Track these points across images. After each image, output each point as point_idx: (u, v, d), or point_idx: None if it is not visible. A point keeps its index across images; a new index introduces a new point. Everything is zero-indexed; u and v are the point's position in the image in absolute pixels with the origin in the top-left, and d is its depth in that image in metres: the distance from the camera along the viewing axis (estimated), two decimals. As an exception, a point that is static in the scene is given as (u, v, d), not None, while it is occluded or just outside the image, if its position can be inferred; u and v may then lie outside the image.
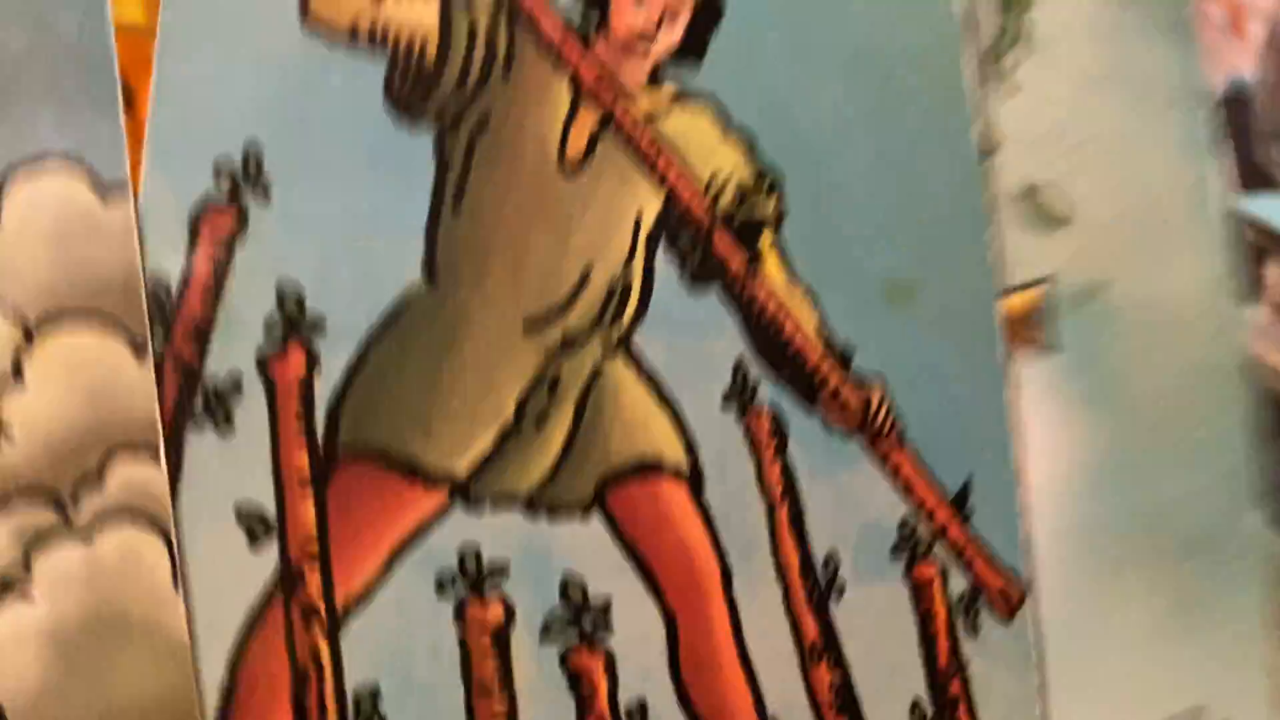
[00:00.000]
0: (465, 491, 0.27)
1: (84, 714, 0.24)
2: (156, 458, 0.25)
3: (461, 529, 0.26)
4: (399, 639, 0.25)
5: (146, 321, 0.26)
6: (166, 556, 0.25)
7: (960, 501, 0.29)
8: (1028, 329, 0.31)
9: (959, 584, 0.29)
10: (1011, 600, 0.29)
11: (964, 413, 0.30)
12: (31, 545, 0.25)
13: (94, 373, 0.25)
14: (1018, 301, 0.31)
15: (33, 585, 0.24)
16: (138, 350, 0.26)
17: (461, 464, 0.27)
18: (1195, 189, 0.32)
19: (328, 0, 0.29)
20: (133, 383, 0.26)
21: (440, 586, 0.26)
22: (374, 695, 0.25)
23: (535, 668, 0.26)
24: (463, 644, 0.26)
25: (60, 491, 0.25)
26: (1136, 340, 0.31)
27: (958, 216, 0.31)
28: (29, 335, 0.25)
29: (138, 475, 0.25)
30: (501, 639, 0.26)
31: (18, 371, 0.25)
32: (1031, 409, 0.30)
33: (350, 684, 0.25)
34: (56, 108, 0.26)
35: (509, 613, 0.26)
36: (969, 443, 0.30)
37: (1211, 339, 0.31)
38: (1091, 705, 0.29)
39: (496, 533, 0.26)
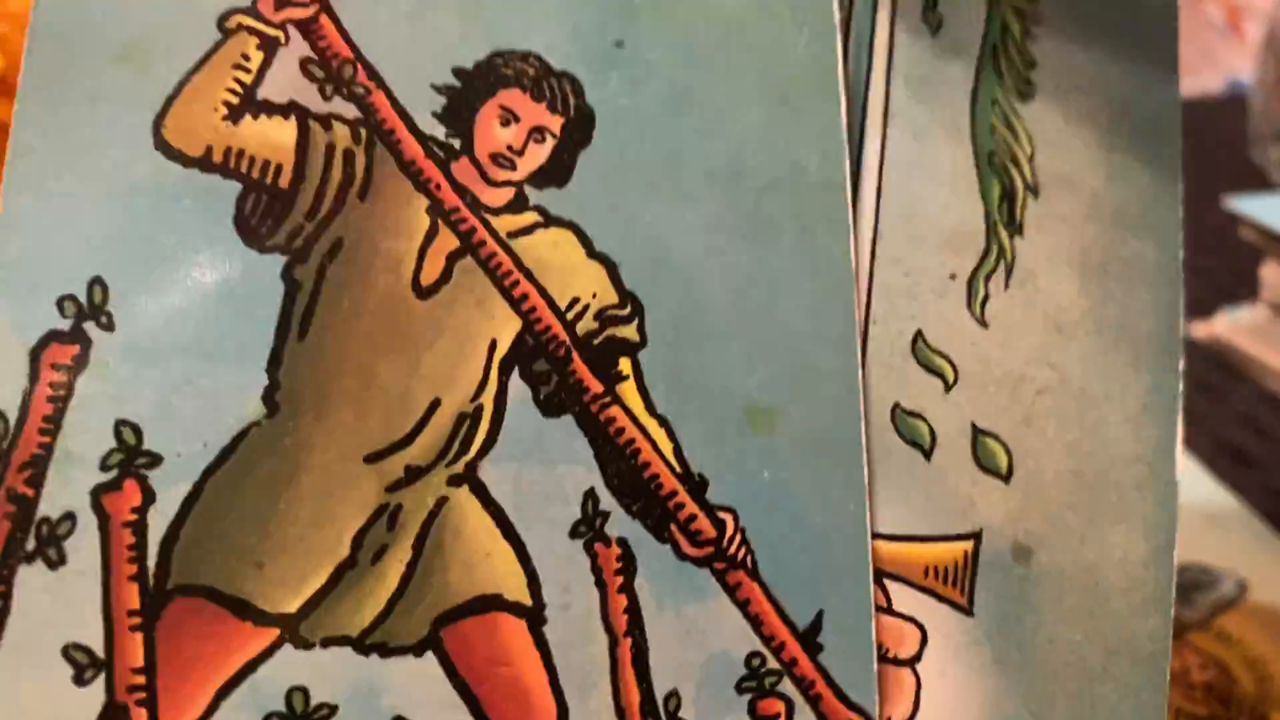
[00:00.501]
0: (295, 630, 0.26)
1: None
2: (-10, 592, 0.26)
3: (290, 667, 0.26)
4: (220, 781, 0.26)
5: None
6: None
7: (811, 634, 0.29)
8: (948, 583, 0.30)
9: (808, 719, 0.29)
10: (859, 738, 0.29)
11: (821, 543, 0.30)
12: None
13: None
14: (943, 552, 0.30)
15: None
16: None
17: (294, 602, 0.27)
18: (1149, 455, 0.31)
19: (180, 125, 0.29)
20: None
21: (266, 727, 0.26)
22: (191, 839, 0.25)
23: (358, 811, 0.26)
24: (285, 787, 0.26)
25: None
26: (1057, 610, 0.30)
27: (826, 343, 0.31)
28: None
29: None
30: (325, 781, 0.26)
31: None
32: (938, 665, 0.29)
33: (168, 827, 0.25)
34: None
35: (335, 754, 0.26)
36: (825, 574, 0.30)
37: (1138, 616, 0.30)
38: None
39: (326, 672, 0.26)
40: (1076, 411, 0.31)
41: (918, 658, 0.29)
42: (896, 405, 0.30)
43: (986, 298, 0.31)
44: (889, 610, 0.29)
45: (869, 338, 0.31)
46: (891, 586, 0.30)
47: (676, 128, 0.32)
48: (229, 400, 0.27)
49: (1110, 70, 0.34)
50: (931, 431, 0.30)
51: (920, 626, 0.29)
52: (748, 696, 0.29)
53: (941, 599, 0.30)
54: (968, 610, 0.30)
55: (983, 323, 0.31)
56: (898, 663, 0.29)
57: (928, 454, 0.30)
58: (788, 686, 0.29)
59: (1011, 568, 0.30)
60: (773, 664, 0.29)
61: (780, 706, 0.29)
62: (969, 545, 0.30)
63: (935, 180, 0.32)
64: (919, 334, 0.31)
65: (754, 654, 0.29)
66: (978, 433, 0.30)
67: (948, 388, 0.31)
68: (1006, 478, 0.30)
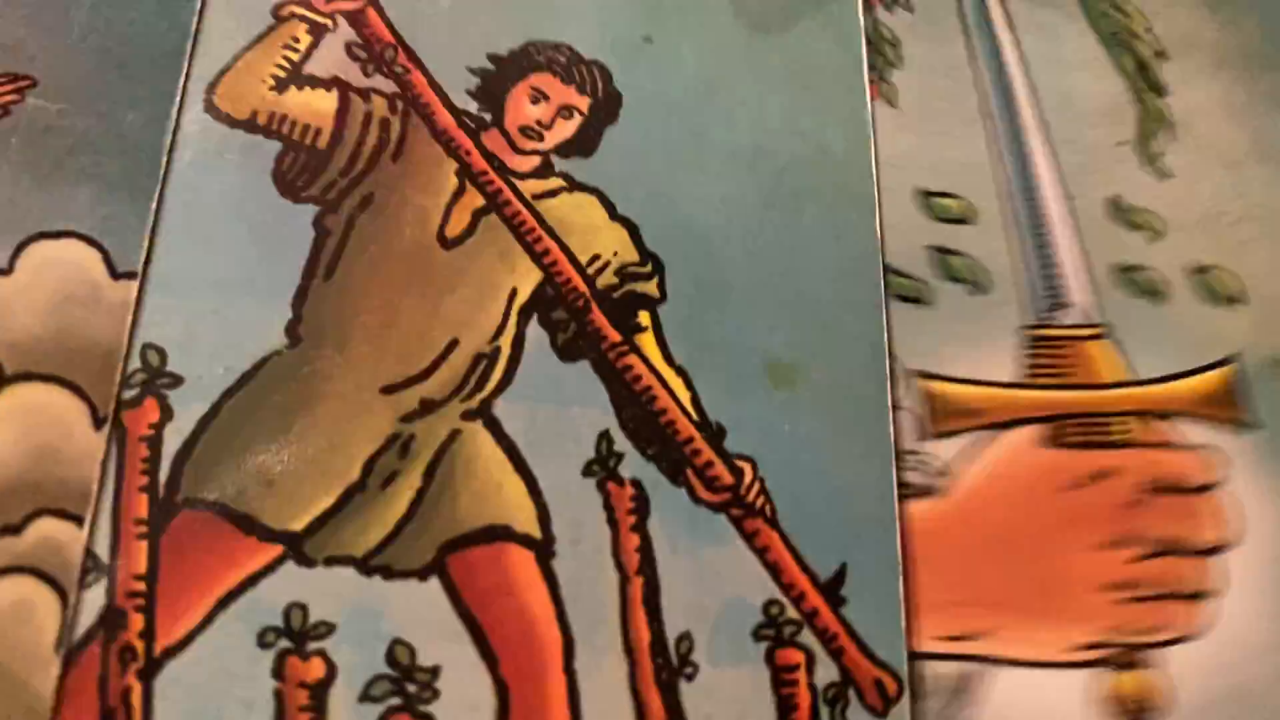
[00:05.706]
0: (299, 548, 0.26)
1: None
2: (75, 521, 0.26)
3: (291, 584, 0.26)
4: (214, 688, 0.25)
5: (115, 392, 0.27)
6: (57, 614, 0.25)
7: (834, 586, 0.28)
8: (1226, 408, 0.31)
9: (830, 673, 0.27)
10: (887, 692, 0.27)
11: (845, 497, 0.29)
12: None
13: (49, 430, 0.26)
14: (1209, 381, 0.31)
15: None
16: (95, 420, 0.27)
17: (300, 520, 0.26)
18: None
19: (231, 93, 0.31)
20: (83, 448, 0.26)
21: (262, 640, 0.25)
22: (178, 746, 0.24)
23: (350, 729, 0.25)
24: (277, 698, 0.25)
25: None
26: None
27: (851, 307, 0.31)
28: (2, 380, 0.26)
29: (55, 534, 0.26)
30: (319, 697, 0.25)
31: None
32: (1244, 485, 0.30)
33: (156, 733, 0.25)
34: (94, 189, 0.29)
35: (330, 671, 0.25)
36: (849, 528, 0.28)
37: None
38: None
39: (326, 590, 0.26)
40: (1276, 228, 0.33)
41: (1219, 481, 0.30)
42: (1116, 265, 0.32)
43: (1160, 154, 0.34)
44: (1185, 446, 0.30)
45: (1074, 212, 0.33)
46: (1176, 424, 0.30)
47: (700, 112, 0.33)
48: (253, 331, 0.28)
49: None
50: (1158, 279, 0.32)
51: (1218, 451, 0.30)
52: (765, 644, 0.27)
53: (1225, 421, 0.30)
54: (1253, 424, 0.30)
55: (1165, 175, 0.33)
56: (1205, 489, 0.30)
57: (1162, 299, 0.32)
58: (808, 638, 0.27)
59: (1276, 378, 0.31)
60: (792, 613, 0.27)
61: (800, 657, 0.27)
62: (1231, 368, 0.31)
63: (1073, 68, 0.35)
64: (1115, 198, 0.33)
65: (772, 602, 0.27)
66: (1201, 267, 0.32)
67: (1158, 237, 0.32)
68: (1243, 300, 0.32)
